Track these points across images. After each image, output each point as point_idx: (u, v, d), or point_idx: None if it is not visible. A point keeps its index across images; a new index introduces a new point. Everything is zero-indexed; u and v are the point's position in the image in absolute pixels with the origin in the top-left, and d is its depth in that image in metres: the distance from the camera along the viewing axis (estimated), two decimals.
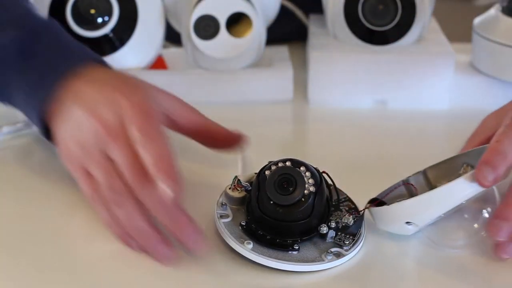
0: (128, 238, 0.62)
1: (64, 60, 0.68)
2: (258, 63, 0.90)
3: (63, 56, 0.69)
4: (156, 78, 0.88)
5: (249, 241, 0.61)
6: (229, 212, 0.64)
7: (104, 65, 0.70)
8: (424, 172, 0.67)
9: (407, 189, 0.66)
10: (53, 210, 0.69)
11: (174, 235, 0.61)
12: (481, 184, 0.59)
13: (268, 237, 0.61)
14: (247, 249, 0.61)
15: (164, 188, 0.58)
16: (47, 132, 0.69)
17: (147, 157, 0.60)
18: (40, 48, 0.69)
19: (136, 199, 0.61)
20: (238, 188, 0.64)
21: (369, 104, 0.89)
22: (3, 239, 0.66)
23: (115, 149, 0.62)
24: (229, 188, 0.65)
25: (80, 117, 0.64)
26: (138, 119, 0.62)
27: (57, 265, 0.62)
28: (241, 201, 0.64)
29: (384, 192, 0.66)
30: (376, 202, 0.65)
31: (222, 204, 0.64)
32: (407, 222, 0.61)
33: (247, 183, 0.64)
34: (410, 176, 0.67)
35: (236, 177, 0.65)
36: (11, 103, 0.71)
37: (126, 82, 0.67)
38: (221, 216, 0.63)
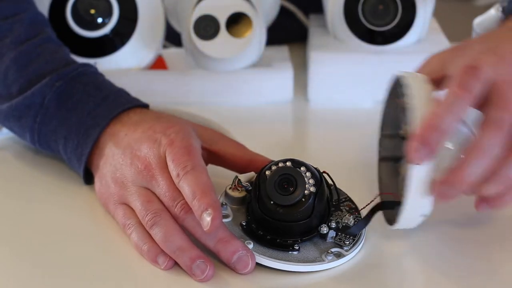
0: (157, 259, 0.61)
1: (106, 109, 0.70)
2: (258, 63, 0.90)
3: (105, 106, 0.70)
4: (156, 78, 0.89)
5: (250, 241, 0.61)
6: (229, 212, 0.64)
7: (141, 106, 0.72)
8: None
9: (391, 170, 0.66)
10: (53, 209, 0.69)
11: (220, 255, 0.61)
12: (412, 163, 0.58)
13: (268, 237, 0.61)
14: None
15: (205, 217, 0.59)
16: (86, 176, 0.71)
17: (186, 190, 0.61)
18: (80, 99, 0.71)
19: (173, 220, 0.62)
20: (239, 188, 0.64)
21: (369, 104, 0.89)
22: (3, 239, 0.66)
23: (156, 186, 0.64)
24: (229, 188, 0.65)
25: (120, 156, 0.67)
26: (177, 155, 0.63)
27: (58, 263, 0.62)
28: (241, 201, 0.64)
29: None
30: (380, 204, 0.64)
31: (222, 204, 0.64)
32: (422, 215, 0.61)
33: (247, 183, 0.64)
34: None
35: (236, 177, 0.65)
36: (51, 149, 0.73)
37: (163, 120, 0.68)
38: (222, 216, 0.63)
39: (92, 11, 0.87)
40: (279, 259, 0.60)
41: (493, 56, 0.62)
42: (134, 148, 0.66)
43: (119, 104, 0.71)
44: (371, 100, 0.89)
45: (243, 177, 0.65)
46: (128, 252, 0.63)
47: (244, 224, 0.62)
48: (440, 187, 0.59)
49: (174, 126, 0.66)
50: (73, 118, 0.71)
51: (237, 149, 0.69)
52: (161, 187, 0.63)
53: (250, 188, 0.64)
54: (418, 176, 0.58)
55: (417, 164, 0.58)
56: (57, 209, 0.69)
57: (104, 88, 0.73)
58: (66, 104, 0.71)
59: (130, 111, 0.71)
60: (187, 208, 0.61)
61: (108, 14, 0.87)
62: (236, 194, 0.64)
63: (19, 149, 0.78)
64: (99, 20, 0.87)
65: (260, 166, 0.63)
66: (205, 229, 0.59)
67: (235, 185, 0.64)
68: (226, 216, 0.63)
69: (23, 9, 0.77)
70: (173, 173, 0.63)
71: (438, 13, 0.99)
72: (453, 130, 0.59)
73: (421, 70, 0.68)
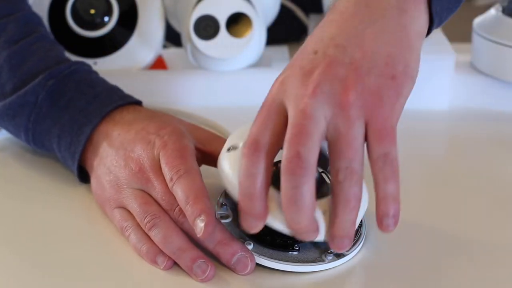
0: (156, 260, 0.61)
1: (99, 107, 0.70)
2: (258, 63, 0.90)
3: (97, 104, 0.70)
4: (156, 78, 0.89)
5: (250, 242, 0.61)
6: (229, 212, 0.64)
7: (134, 103, 0.72)
8: None
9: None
10: (51, 210, 0.69)
11: (219, 256, 0.61)
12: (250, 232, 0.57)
13: (268, 237, 0.61)
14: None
15: (198, 223, 0.59)
16: (81, 175, 0.71)
17: (179, 194, 0.61)
18: (73, 97, 0.71)
19: (172, 221, 0.62)
20: None
21: None
22: (3, 239, 0.66)
23: (152, 189, 0.64)
24: None
25: (114, 157, 0.66)
26: (170, 158, 0.63)
27: (56, 263, 0.62)
28: None
29: None
30: None
31: (222, 204, 0.64)
32: None
33: None
34: None
35: None
36: (46, 148, 0.73)
37: (157, 120, 0.68)
38: (221, 217, 0.63)
39: (92, 11, 0.87)
40: (279, 260, 0.60)
41: (285, 71, 0.58)
42: (128, 149, 0.66)
43: (112, 101, 0.70)
44: None
45: None
46: (127, 253, 0.63)
47: None
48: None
49: (168, 127, 0.66)
50: (66, 117, 0.70)
51: None
52: (158, 191, 0.63)
53: None
54: None
55: (257, 229, 0.57)
56: (55, 210, 0.69)
57: (97, 85, 0.72)
58: (59, 103, 0.71)
59: (124, 109, 0.70)
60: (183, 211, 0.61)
61: (108, 14, 0.87)
62: None
63: (16, 150, 0.78)
64: (99, 20, 0.87)
65: None
66: (198, 235, 0.59)
67: None
68: (226, 217, 0.63)
69: (18, 9, 0.77)
70: (167, 177, 0.62)
71: None
72: (265, 187, 0.56)
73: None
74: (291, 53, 0.95)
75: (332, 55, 0.56)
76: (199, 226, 0.59)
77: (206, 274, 0.59)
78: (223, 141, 0.69)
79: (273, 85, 0.59)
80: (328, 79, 0.55)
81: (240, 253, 0.60)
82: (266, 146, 0.56)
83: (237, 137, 0.62)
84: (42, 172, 0.74)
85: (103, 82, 0.73)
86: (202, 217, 0.59)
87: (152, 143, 0.65)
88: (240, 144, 0.60)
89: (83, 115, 0.70)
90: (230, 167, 0.60)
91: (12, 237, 0.66)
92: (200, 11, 0.86)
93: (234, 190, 0.58)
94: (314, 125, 0.54)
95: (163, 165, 0.63)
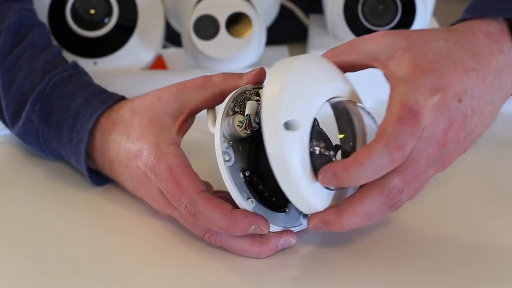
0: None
1: (82, 123, 0.69)
2: (258, 63, 0.90)
3: (81, 120, 0.69)
4: (156, 78, 0.89)
5: (253, 200, 0.60)
6: (232, 155, 0.60)
7: (115, 102, 0.70)
8: None
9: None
10: (51, 209, 0.69)
11: None
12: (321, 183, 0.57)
13: (266, 194, 0.60)
14: (249, 207, 0.60)
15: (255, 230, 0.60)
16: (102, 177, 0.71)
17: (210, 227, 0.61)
18: (60, 116, 0.71)
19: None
20: (248, 129, 0.60)
21: (369, 104, 0.89)
22: (1, 239, 0.66)
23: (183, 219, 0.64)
24: (240, 127, 0.60)
25: (129, 187, 0.68)
26: (169, 192, 0.61)
27: (55, 265, 0.62)
28: (246, 141, 0.61)
29: None
30: None
31: (229, 141, 0.60)
32: None
33: (256, 125, 0.60)
34: None
35: (248, 116, 0.61)
36: (51, 152, 0.74)
37: (132, 138, 0.66)
38: (226, 160, 0.60)
39: (92, 11, 0.87)
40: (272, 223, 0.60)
41: (438, 101, 0.57)
42: (135, 190, 0.67)
43: (92, 112, 0.69)
44: (371, 100, 0.89)
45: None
46: (126, 253, 0.63)
47: (247, 175, 0.60)
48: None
49: (143, 149, 0.64)
50: (63, 136, 0.71)
51: (204, 89, 0.67)
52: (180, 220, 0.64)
53: (258, 128, 0.60)
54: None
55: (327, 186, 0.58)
56: (55, 209, 0.69)
57: (76, 97, 0.71)
58: (52, 124, 0.71)
59: (99, 126, 0.69)
60: (215, 236, 0.62)
61: (108, 14, 0.87)
62: (243, 134, 0.60)
63: (18, 149, 0.78)
64: (99, 20, 0.87)
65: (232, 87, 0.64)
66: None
67: (245, 125, 0.60)
68: (229, 160, 0.60)
69: (9, 15, 0.77)
70: (183, 212, 0.62)
71: (438, 13, 1.00)
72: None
73: (360, 45, 0.63)
74: (291, 53, 0.95)
75: (468, 117, 0.59)
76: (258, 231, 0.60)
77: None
78: (194, 90, 0.67)
79: (418, 88, 0.58)
80: (454, 140, 0.59)
81: (279, 243, 0.61)
82: (405, 155, 0.56)
83: (288, 101, 0.58)
84: (41, 172, 0.74)
85: (82, 89, 0.72)
86: (253, 228, 0.59)
87: (149, 178, 0.63)
88: (303, 122, 0.58)
89: (74, 133, 0.70)
90: (295, 157, 0.56)
91: (10, 236, 0.66)
92: (200, 11, 0.86)
93: (300, 188, 0.57)
94: (423, 173, 0.58)
95: (169, 198, 0.62)
